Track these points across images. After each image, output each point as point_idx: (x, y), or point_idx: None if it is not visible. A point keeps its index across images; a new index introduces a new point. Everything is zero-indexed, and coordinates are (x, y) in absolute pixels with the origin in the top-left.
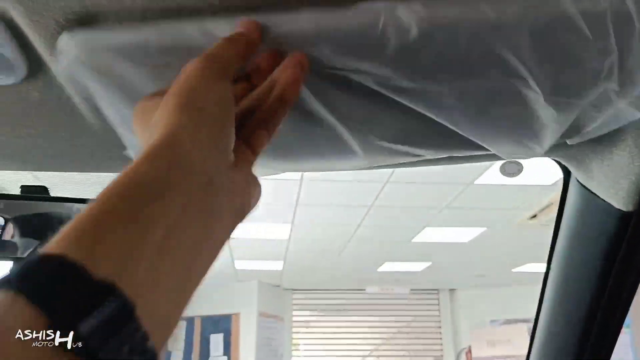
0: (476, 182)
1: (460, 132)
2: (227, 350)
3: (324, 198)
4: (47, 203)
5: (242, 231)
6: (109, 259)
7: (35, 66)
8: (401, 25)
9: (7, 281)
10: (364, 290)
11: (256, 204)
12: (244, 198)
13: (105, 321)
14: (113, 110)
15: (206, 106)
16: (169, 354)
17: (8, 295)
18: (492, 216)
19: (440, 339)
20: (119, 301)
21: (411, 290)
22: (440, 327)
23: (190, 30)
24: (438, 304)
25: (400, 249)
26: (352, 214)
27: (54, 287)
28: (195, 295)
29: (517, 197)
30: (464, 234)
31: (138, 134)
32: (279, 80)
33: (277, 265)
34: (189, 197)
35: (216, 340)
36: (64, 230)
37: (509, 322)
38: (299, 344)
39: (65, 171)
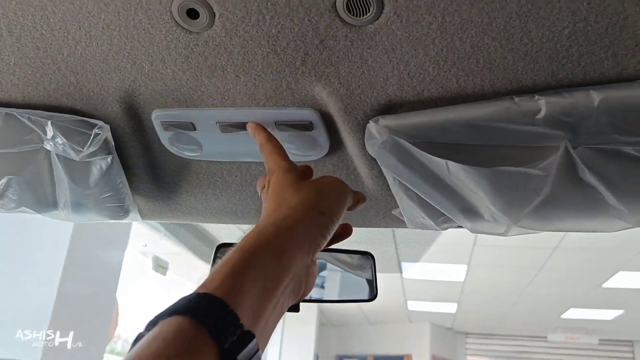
0: None
1: None
2: None
3: (504, 238)
4: None
5: (417, 272)
6: (250, 311)
7: (334, 145)
8: None
9: (188, 311)
10: (545, 338)
11: (312, 288)
12: (308, 286)
13: (249, 357)
14: (401, 176)
15: (327, 214)
16: None
17: (188, 321)
18: None
19: None
20: (256, 346)
21: (600, 340)
22: None
23: (467, 114)
24: (633, 357)
25: (588, 294)
26: (534, 256)
27: (224, 326)
28: (368, 333)
29: None
30: None
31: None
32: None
33: (451, 308)
34: (291, 278)
35: None
36: (220, 273)
37: None
38: None
39: None
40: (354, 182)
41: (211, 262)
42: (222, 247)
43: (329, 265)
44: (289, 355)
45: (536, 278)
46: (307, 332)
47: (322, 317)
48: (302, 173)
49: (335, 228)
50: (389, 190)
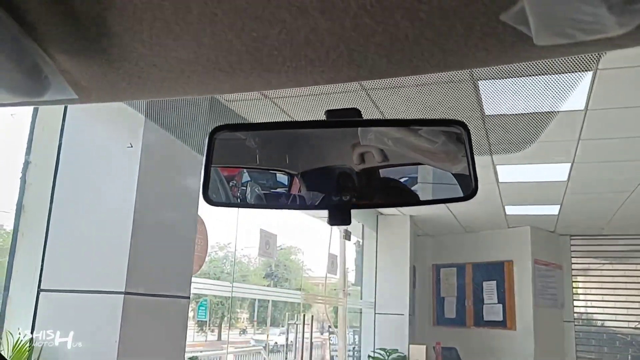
0: None
1: None
2: (501, 298)
3: (613, 130)
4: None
5: (514, 174)
6: None
7: None
8: None
9: None
10: None
11: None
12: None
13: None
14: None
15: None
16: (442, 300)
17: None
18: None
19: None
20: None
21: None
22: None
23: None
24: None
25: None
26: None
27: None
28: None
29: None
30: None
31: None
32: None
33: (553, 210)
34: None
35: (489, 288)
36: None
37: None
38: (579, 292)
39: None
40: None
41: (206, 148)
42: (220, 131)
43: (397, 153)
44: (385, 268)
45: None
46: (402, 244)
47: (415, 228)
48: None
49: None
50: None
